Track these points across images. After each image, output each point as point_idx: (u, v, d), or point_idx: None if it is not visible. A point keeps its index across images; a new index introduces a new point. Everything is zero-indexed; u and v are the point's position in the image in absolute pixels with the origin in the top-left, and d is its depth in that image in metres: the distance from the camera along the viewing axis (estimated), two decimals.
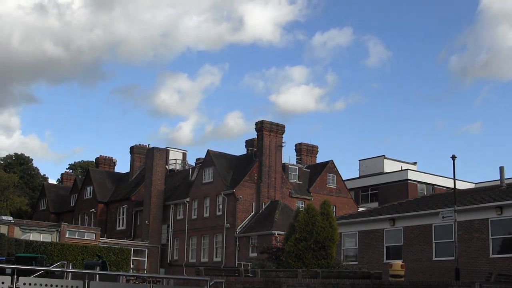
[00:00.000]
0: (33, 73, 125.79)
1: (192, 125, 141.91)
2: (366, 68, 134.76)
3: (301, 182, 58.20)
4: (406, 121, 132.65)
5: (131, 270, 50.32)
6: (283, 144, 56.13)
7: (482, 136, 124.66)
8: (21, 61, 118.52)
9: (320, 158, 64.80)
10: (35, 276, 15.02)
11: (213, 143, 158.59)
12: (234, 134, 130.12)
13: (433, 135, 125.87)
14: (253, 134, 58.53)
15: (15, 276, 10.91)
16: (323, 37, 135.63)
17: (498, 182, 32.77)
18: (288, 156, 60.96)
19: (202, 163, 58.76)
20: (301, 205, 52.49)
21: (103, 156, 76.88)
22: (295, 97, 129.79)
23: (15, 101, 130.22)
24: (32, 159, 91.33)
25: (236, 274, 26.22)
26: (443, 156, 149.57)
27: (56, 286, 11.40)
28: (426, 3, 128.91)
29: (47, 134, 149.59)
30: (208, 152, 57.87)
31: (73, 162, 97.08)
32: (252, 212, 53.51)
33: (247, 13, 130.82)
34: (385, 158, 70.11)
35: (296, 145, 65.05)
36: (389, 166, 68.99)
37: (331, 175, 59.48)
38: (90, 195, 69.24)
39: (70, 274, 21.35)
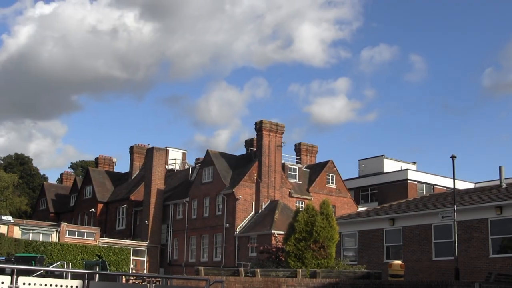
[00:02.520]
0: (86, 87, 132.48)
1: (229, 134, 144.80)
2: (405, 82, 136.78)
3: (300, 182, 58.19)
4: (434, 133, 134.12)
5: (130, 270, 50.34)
6: (282, 144, 56.14)
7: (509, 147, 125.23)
8: (81, 76, 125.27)
9: (319, 158, 64.90)
10: (35, 276, 15.01)
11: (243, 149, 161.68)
12: None
13: (456, 144, 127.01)
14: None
15: (14, 276, 10.90)
16: (370, 52, 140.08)
17: (498, 182, 32.77)
18: (288, 156, 61.05)
19: (202, 163, 58.75)
20: (300, 205, 52.50)
21: (102, 156, 76.82)
22: (333, 109, 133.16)
23: (66, 110, 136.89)
24: (32, 159, 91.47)
25: (236, 274, 26.22)
26: (443, 156, 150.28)
27: (56, 286, 11.38)
28: (470, 21, 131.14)
29: (85, 142, 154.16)
30: (208, 152, 57.86)
31: (74, 162, 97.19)
32: (252, 212, 53.51)
33: (298, 33, 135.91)
34: (385, 158, 70.09)
35: (295, 145, 65.04)
36: (389, 166, 68.97)
37: (330, 175, 59.48)
38: (89, 195, 69.20)
39: (70, 274, 21.34)
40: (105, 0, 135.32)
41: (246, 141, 63.02)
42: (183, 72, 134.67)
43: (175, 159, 70.06)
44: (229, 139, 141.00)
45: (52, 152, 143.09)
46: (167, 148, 68.39)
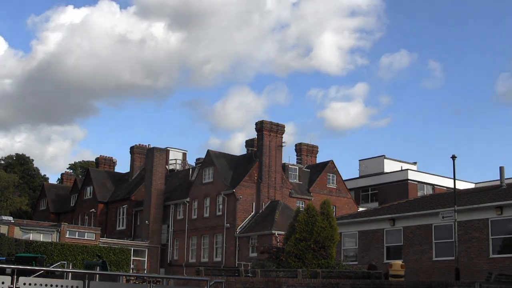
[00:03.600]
0: (107, 93, 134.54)
1: (245, 137, 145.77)
2: (422, 89, 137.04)
3: (301, 182, 58.19)
4: (436, 134, 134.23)
5: (131, 270, 50.31)
6: (283, 144, 56.14)
7: None
8: (103, 83, 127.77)
9: (320, 158, 64.89)
10: (35, 276, 15.02)
11: None
12: None
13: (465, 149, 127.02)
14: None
15: (15, 276, 10.91)
16: (390, 58, 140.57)
17: (498, 182, 32.76)
18: (288, 156, 61.05)
19: (202, 163, 58.74)
20: (301, 205, 52.45)
21: (103, 156, 76.86)
22: (348, 115, 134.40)
23: (84, 115, 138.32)
24: (32, 160, 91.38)
25: (236, 274, 26.22)
26: (443, 156, 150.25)
27: (56, 286, 11.40)
28: (486, 26, 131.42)
29: (102, 147, 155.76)
30: (208, 152, 57.86)
31: (73, 162, 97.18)
32: (252, 212, 53.50)
33: (320, 41, 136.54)
34: (385, 158, 70.09)
35: (296, 145, 65.04)
36: (389, 166, 68.97)
37: (331, 175, 59.47)
38: (90, 195, 69.21)
39: (70, 274, 21.35)
40: (133, 8, 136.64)
41: (247, 141, 63.04)
42: (204, 79, 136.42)
43: (175, 159, 70.08)
44: (244, 142, 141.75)
45: (68, 156, 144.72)
46: (168, 149, 68.40)
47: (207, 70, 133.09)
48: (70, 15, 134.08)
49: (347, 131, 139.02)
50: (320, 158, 64.80)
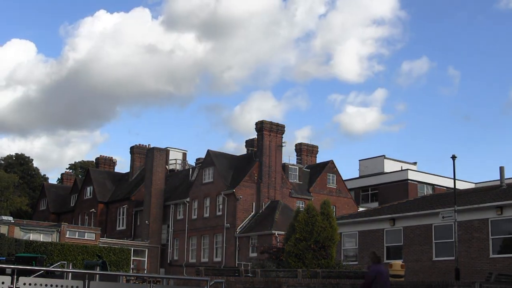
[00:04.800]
0: (129, 99, 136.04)
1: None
2: (439, 96, 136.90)
3: (301, 182, 58.18)
4: (437, 135, 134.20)
5: (131, 270, 50.31)
6: (283, 144, 56.13)
7: None
8: (126, 90, 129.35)
9: (320, 158, 64.87)
10: (35, 276, 15.02)
11: None
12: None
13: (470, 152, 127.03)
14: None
15: (15, 276, 10.92)
16: (410, 65, 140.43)
17: (498, 182, 32.77)
18: (288, 156, 61.03)
19: (202, 163, 58.75)
20: (301, 205, 52.45)
21: (103, 156, 76.91)
22: (363, 120, 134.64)
23: (105, 121, 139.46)
24: (32, 159, 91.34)
25: (236, 274, 26.24)
26: (443, 156, 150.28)
27: (56, 286, 11.41)
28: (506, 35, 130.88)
29: (120, 152, 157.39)
30: (208, 152, 57.86)
31: (73, 162, 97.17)
32: (252, 212, 53.50)
33: (340, 50, 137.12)
34: (385, 158, 70.10)
35: (296, 145, 65.02)
36: (389, 166, 68.96)
37: (331, 175, 59.46)
38: (90, 195, 69.22)
39: (70, 274, 21.33)
40: (163, 17, 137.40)
41: (247, 141, 63.01)
42: (226, 85, 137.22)
43: (175, 159, 70.09)
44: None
45: (79, 159, 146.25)
46: (168, 149, 68.42)
47: (229, 77, 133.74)
48: (103, 23, 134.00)
49: (362, 135, 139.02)
50: (320, 158, 64.89)
